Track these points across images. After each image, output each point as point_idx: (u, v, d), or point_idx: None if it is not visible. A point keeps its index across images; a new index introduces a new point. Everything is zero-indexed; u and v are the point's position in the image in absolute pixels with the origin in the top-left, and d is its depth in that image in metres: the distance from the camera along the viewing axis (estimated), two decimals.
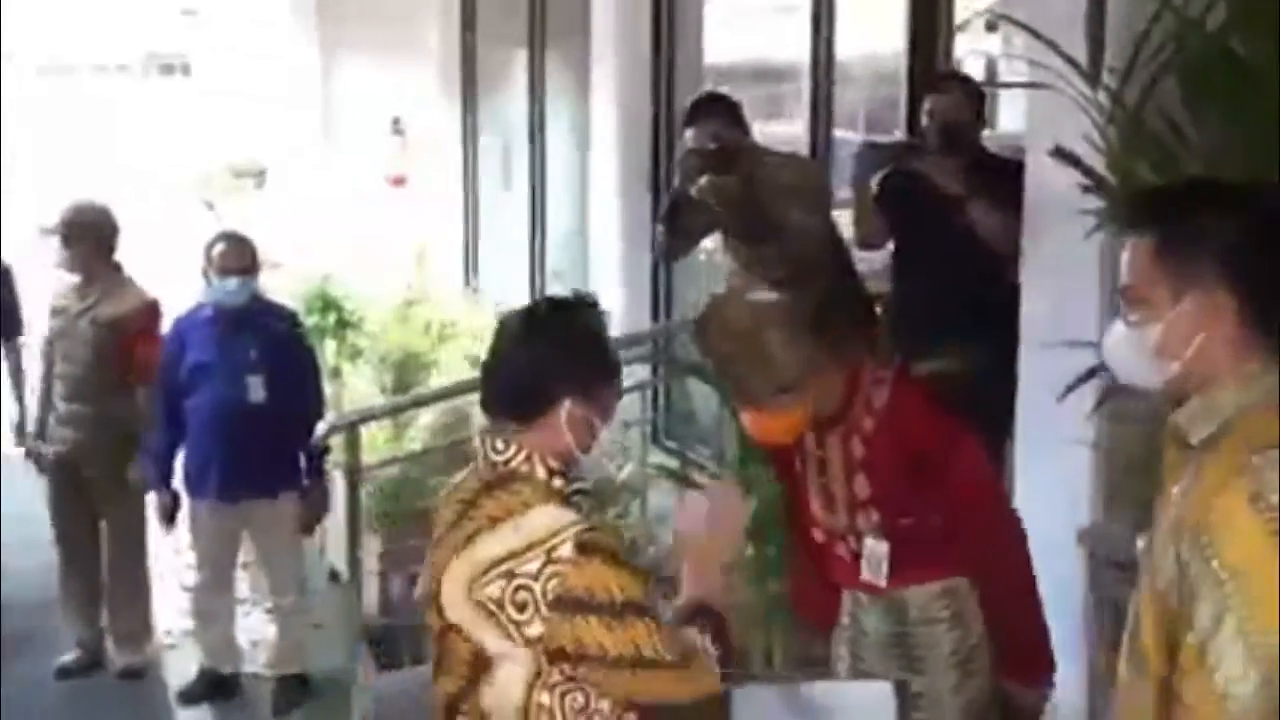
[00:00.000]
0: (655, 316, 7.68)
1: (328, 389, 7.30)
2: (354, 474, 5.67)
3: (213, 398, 5.95)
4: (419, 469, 6.71)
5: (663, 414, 7.33)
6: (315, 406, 6.09)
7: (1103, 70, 3.90)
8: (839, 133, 6.72)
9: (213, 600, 6.26)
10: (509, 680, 2.51)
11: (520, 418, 2.61)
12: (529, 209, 9.58)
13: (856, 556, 3.42)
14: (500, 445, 2.61)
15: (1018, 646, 3.44)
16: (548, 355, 2.61)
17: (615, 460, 6.89)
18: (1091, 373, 3.90)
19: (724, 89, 9.30)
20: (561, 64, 9.14)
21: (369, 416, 6.40)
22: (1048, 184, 4.32)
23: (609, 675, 2.47)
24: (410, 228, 10.41)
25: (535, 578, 2.45)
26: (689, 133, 5.33)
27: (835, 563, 3.50)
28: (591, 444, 2.64)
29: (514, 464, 2.58)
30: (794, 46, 6.80)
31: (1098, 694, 4.16)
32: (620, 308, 7.68)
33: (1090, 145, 3.96)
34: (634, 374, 6.50)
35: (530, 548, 2.47)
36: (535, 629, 2.46)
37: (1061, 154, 3.87)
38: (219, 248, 5.98)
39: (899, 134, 5.81)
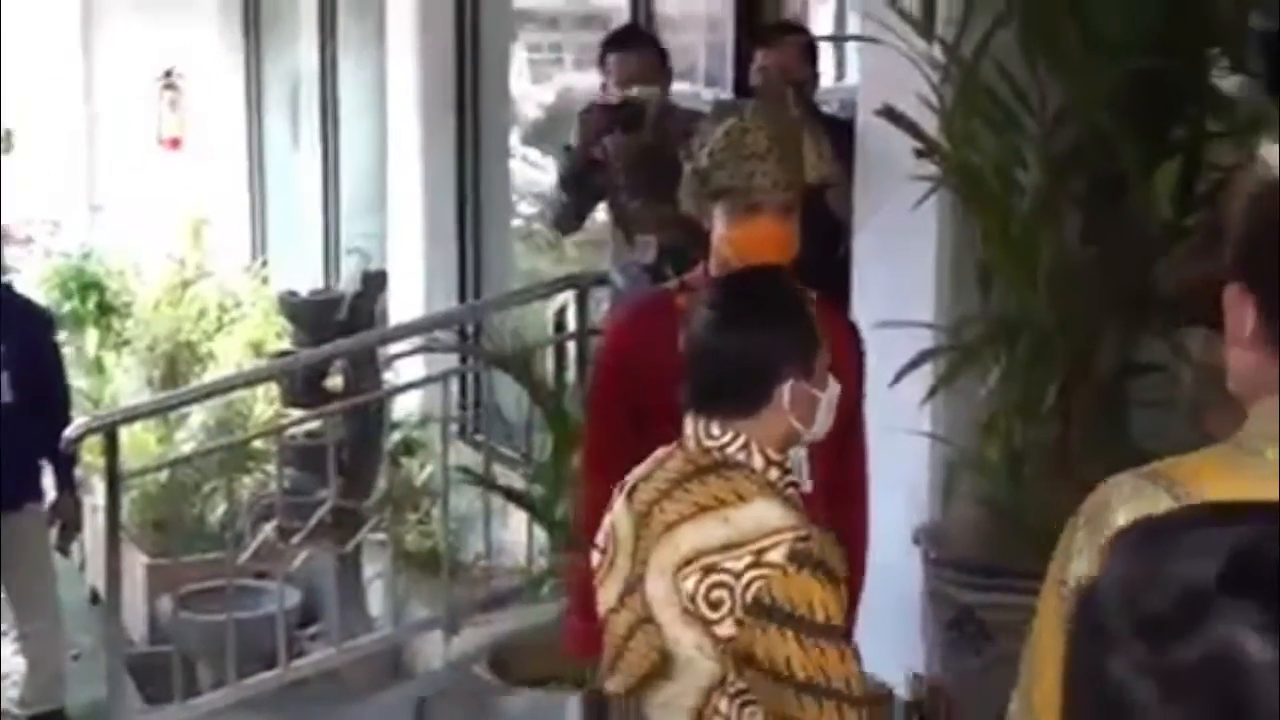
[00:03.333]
0: (463, 296, 7.69)
1: (88, 384, 7.23)
2: (113, 480, 5.61)
3: None
4: (191, 473, 6.67)
5: (474, 407, 7.35)
6: (65, 408, 6.04)
7: (936, 22, 4.02)
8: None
9: None
10: (688, 683, 2.56)
11: (740, 412, 2.65)
12: (321, 174, 9.52)
13: None
14: (715, 430, 2.66)
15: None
16: (764, 338, 2.68)
17: (417, 458, 6.92)
18: (924, 357, 4.03)
19: (537, 36, 9.40)
20: (355, 7, 9.09)
21: (133, 415, 6.34)
22: (881, 147, 4.42)
23: (780, 694, 2.51)
24: (186, 196, 10.29)
25: (738, 577, 2.49)
26: (605, 79, 5.40)
27: None
28: (814, 417, 2.70)
29: (729, 451, 2.64)
30: None
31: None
32: (422, 287, 7.70)
33: (926, 105, 4.07)
34: (435, 363, 6.51)
35: (738, 544, 2.51)
36: (726, 629, 2.50)
37: (891, 114, 3.98)
38: None
39: (725, 89, 5.90)
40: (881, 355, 4.16)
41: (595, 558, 2.78)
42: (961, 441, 4.21)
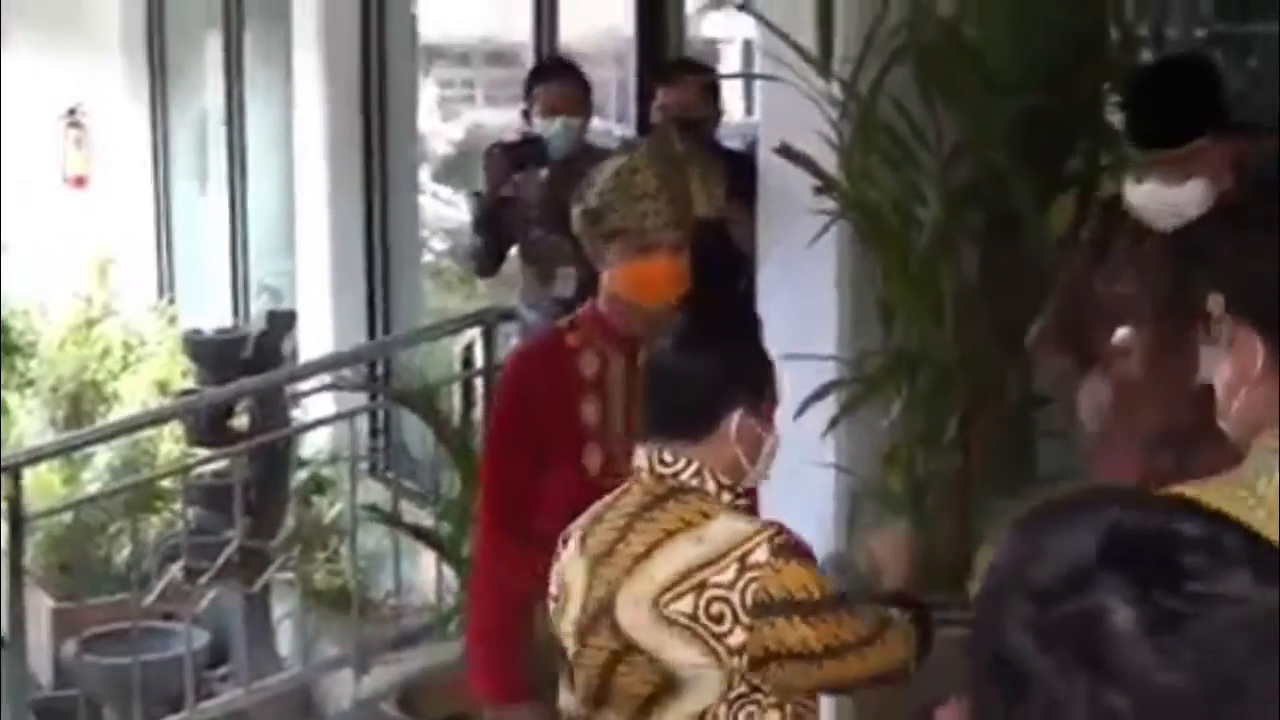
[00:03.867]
0: (372, 334, 7.69)
1: None
2: (17, 522, 5.56)
3: None
4: (97, 514, 6.61)
5: (385, 445, 7.33)
6: None
7: (834, 61, 4.08)
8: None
9: None
10: (698, 697, 2.67)
11: (689, 435, 2.77)
12: (229, 213, 9.49)
13: None
14: (668, 458, 2.77)
15: None
16: (717, 368, 2.80)
17: (327, 496, 6.90)
18: (827, 389, 4.08)
19: (448, 73, 9.42)
20: (261, 47, 9.08)
21: (37, 456, 6.28)
22: (782, 182, 4.47)
23: (806, 670, 2.66)
24: (92, 235, 10.21)
25: (731, 587, 2.62)
26: (529, 108, 5.43)
27: None
28: (758, 456, 2.81)
29: (684, 477, 2.76)
30: (521, 25, 6.90)
31: None
32: (331, 325, 7.68)
33: (826, 141, 4.13)
34: (345, 401, 6.50)
35: (719, 558, 2.64)
36: (737, 638, 2.62)
37: (787, 152, 4.03)
38: None
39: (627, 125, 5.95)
40: (790, 385, 4.21)
41: (550, 606, 2.88)
42: (865, 472, 4.26)
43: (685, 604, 2.63)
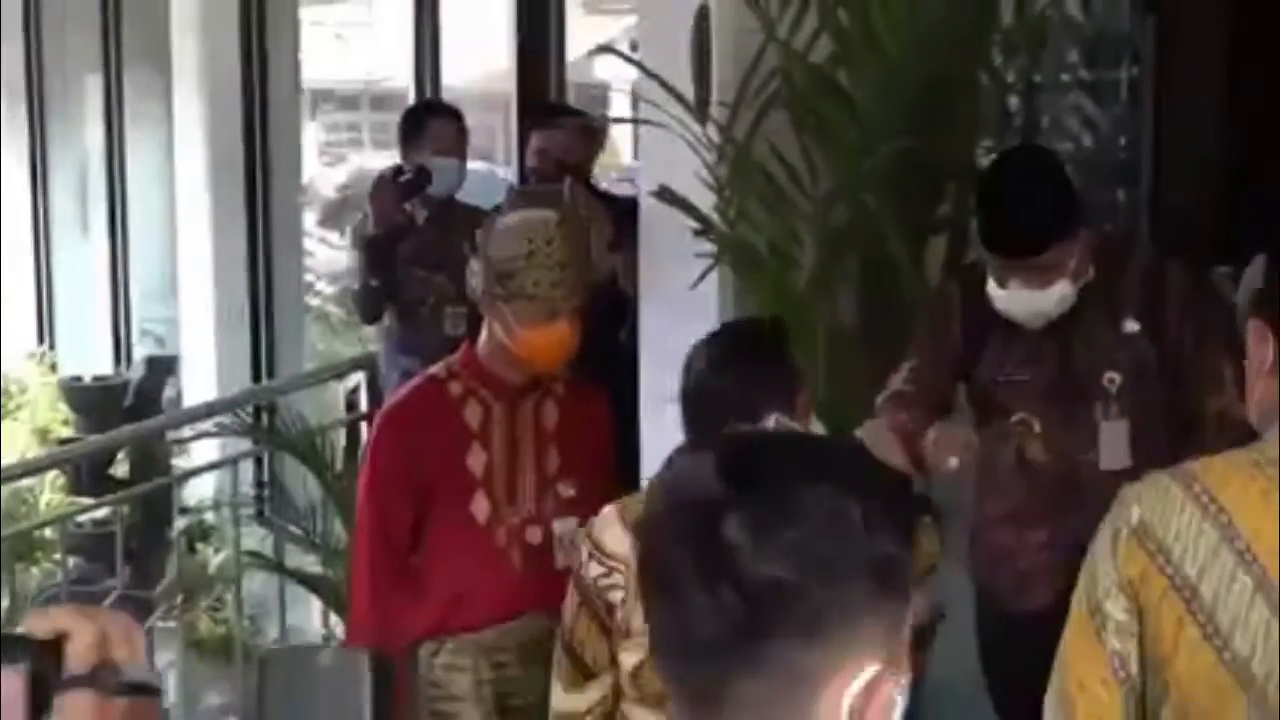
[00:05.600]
0: (257, 379, 7.65)
1: None
2: None
3: None
4: None
5: (272, 491, 7.28)
6: None
7: (710, 105, 4.14)
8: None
9: None
10: None
11: None
12: (110, 259, 9.43)
13: (538, 550, 3.64)
14: None
15: None
16: (758, 373, 2.98)
17: (211, 543, 6.86)
18: None
19: (336, 117, 9.45)
20: (142, 89, 9.05)
21: None
22: (664, 224, 4.52)
23: None
24: None
25: None
26: (412, 147, 5.44)
27: (501, 573, 3.65)
28: None
29: None
30: (405, 70, 6.94)
31: None
32: (214, 371, 7.65)
33: (705, 184, 4.19)
34: (230, 447, 6.45)
35: None
36: None
37: (665, 195, 4.09)
38: None
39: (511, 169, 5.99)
40: (673, 427, 4.26)
41: (616, 595, 2.95)
42: None
43: None
